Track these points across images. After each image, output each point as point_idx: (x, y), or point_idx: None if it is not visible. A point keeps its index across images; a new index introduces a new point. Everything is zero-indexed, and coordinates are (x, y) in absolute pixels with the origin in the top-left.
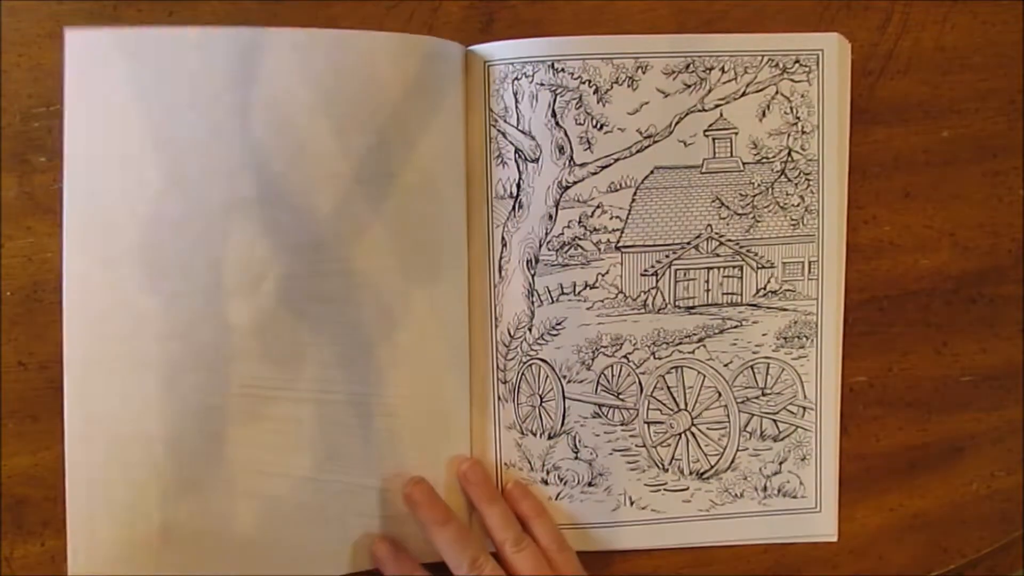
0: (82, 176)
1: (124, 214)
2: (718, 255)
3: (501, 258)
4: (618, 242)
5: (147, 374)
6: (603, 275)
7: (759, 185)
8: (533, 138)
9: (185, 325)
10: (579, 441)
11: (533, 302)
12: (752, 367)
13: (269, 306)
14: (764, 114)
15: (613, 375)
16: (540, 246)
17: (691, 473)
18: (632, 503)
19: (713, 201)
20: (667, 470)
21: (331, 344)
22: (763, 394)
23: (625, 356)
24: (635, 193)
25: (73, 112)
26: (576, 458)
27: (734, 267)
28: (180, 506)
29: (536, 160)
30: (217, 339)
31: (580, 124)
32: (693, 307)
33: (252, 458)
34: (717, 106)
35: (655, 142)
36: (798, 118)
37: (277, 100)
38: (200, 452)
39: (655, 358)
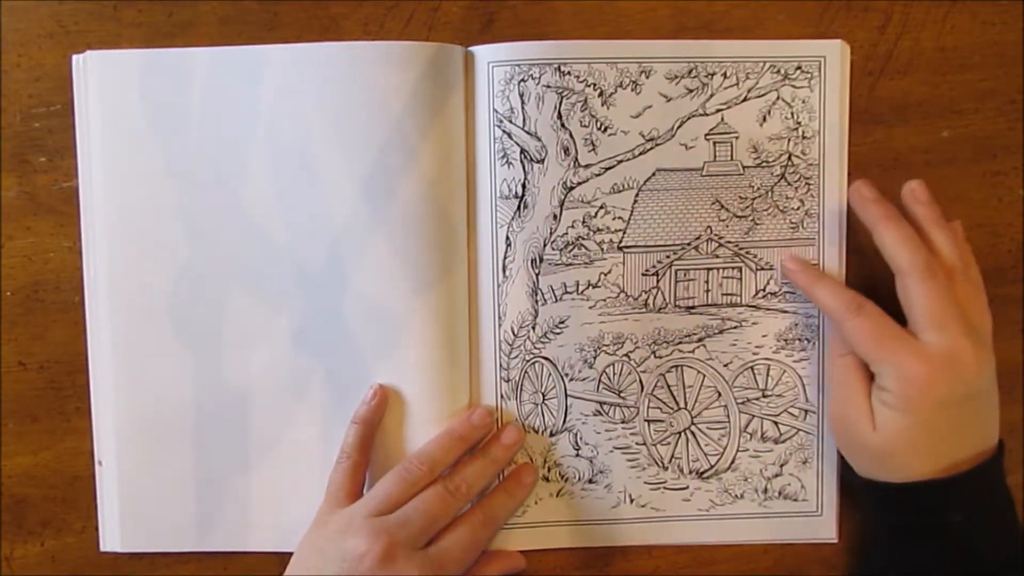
0: (98, 186)
1: (143, 226)
2: (718, 256)
3: (505, 257)
4: (620, 242)
5: (185, 355)
6: (605, 274)
7: (759, 188)
8: (539, 139)
9: (212, 378)
10: (580, 439)
11: (537, 301)
12: (752, 368)
13: (273, 344)
14: (765, 119)
15: (614, 373)
16: (544, 245)
17: (691, 472)
18: (632, 501)
19: (713, 203)
20: (667, 468)
21: (334, 362)
22: (764, 395)
23: (626, 355)
24: (637, 194)
25: (84, 129)
26: (577, 455)
27: (733, 268)
28: (217, 485)
29: (542, 161)
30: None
31: (585, 126)
32: (693, 307)
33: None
34: (719, 110)
35: (657, 145)
36: (799, 123)
37: (282, 118)
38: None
39: (656, 357)
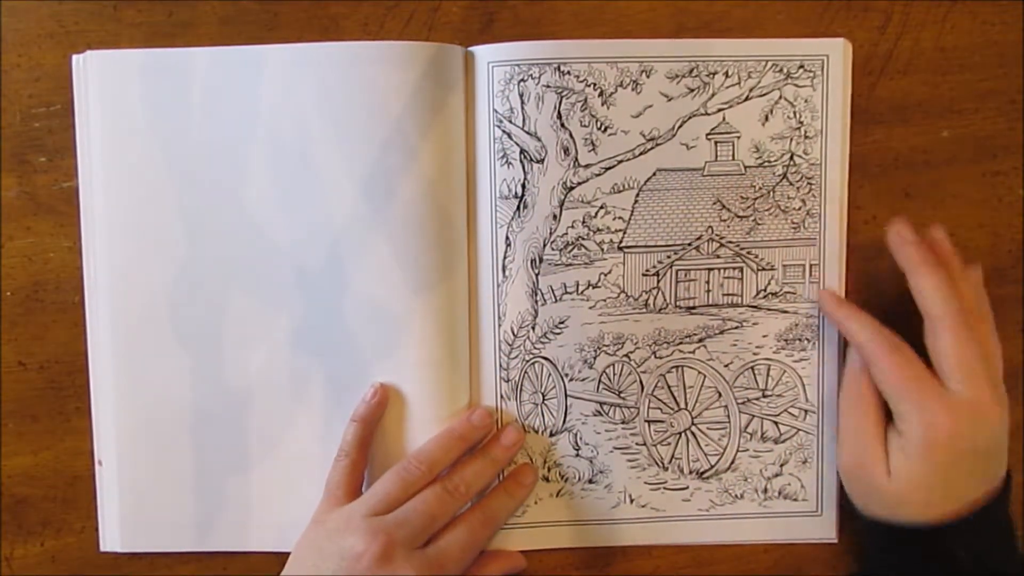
0: (98, 186)
1: (141, 227)
2: (719, 256)
3: (505, 257)
4: (620, 242)
5: (184, 355)
6: (605, 275)
7: (760, 188)
8: (539, 139)
9: (212, 378)
10: (580, 439)
11: (537, 301)
12: (753, 368)
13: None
14: (767, 118)
15: (615, 374)
16: (544, 246)
17: (691, 472)
18: (632, 501)
19: (714, 203)
20: (667, 469)
21: (334, 362)
22: (764, 396)
23: (627, 355)
24: (637, 194)
25: (84, 129)
26: (577, 455)
27: (734, 268)
28: (217, 485)
29: (541, 161)
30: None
31: (585, 126)
32: (693, 307)
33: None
34: (720, 110)
35: (658, 145)
36: (801, 123)
37: (282, 118)
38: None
39: (656, 357)
